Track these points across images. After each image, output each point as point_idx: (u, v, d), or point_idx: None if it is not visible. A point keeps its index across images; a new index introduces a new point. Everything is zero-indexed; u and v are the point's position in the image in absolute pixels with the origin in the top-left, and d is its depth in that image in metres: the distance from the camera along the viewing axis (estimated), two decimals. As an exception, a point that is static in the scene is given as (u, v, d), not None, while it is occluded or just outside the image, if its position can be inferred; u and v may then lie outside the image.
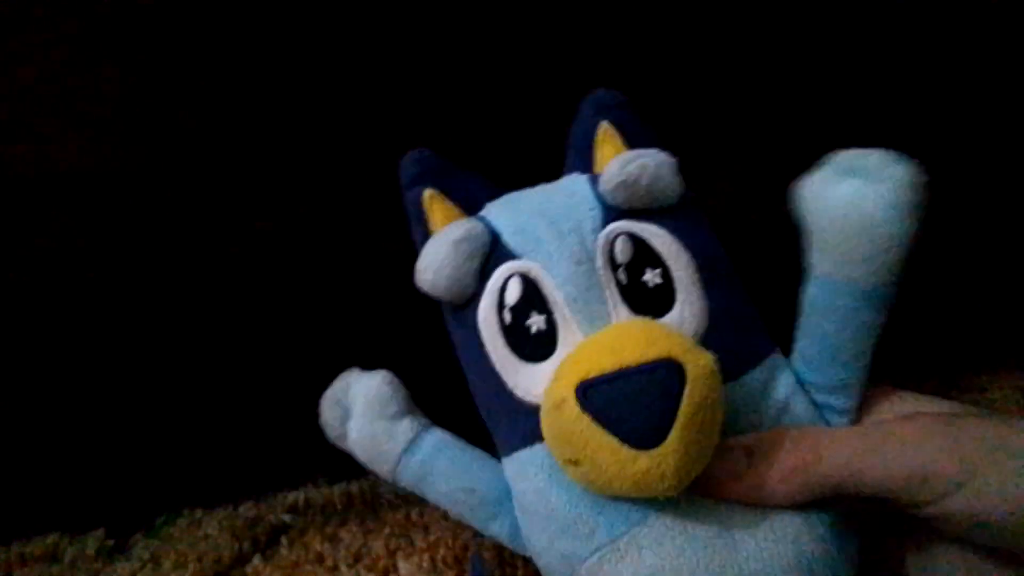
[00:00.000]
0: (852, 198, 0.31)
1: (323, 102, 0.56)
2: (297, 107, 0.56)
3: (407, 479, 0.35)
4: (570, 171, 0.39)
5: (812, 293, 0.33)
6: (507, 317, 0.33)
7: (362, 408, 0.35)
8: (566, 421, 0.28)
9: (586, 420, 0.27)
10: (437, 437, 0.36)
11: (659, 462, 0.27)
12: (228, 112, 0.55)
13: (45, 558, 0.55)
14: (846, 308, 0.31)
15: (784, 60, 0.62)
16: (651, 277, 0.33)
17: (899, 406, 0.32)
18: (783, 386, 0.33)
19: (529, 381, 0.33)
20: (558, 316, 0.33)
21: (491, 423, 0.36)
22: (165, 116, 0.54)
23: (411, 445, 0.35)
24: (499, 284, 0.34)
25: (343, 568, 0.51)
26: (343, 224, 0.60)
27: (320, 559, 0.53)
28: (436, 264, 0.35)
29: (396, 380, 0.37)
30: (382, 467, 0.35)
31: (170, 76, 0.53)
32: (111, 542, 0.57)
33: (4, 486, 0.58)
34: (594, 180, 0.36)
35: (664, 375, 0.27)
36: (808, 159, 0.32)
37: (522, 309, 0.33)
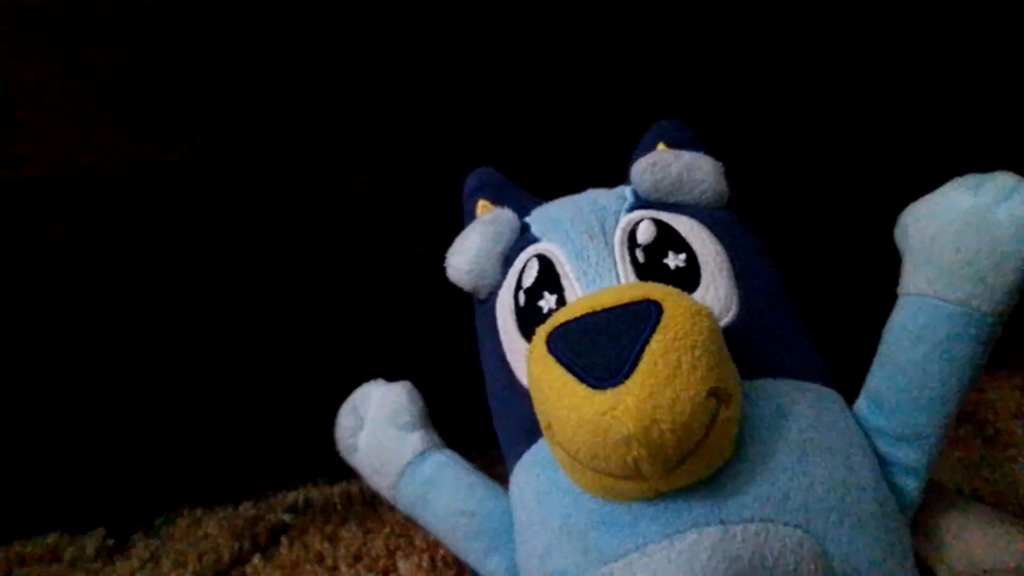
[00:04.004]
0: (977, 214, 0.27)
1: (327, 103, 0.56)
2: (304, 104, 0.56)
3: (407, 496, 0.34)
4: None
5: (903, 316, 0.29)
6: (521, 299, 0.32)
7: (374, 415, 0.35)
8: (533, 369, 0.26)
9: (549, 362, 0.25)
10: (446, 456, 0.35)
11: (616, 402, 0.23)
12: (228, 113, 0.55)
13: (45, 558, 0.55)
14: (946, 334, 0.27)
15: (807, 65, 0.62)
16: (674, 260, 0.31)
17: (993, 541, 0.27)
18: (840, 420, 0.28)
19: None
20: (568, 294, 0.31)
21: (501, 426, 0.34)
22: (171, 115, 0.54)
23: (417, 459, 0.34)
24: (519, 268, 0.33)
25: (343, 568, 0.51)
26: (347, 224, 0.60)
27: (320, 559, 0.53)
28: (462, 247, 0.35)
29: (415, 392, 0.36)
30: (384, 479, 0.34)
31: (175, 75, 0.53)
32: (111, 542, 0.57)
33: (4, 486, 0.58)
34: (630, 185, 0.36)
35: (636, 310, 0.24)
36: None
37: (536, 290, 0.32)
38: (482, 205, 0.39)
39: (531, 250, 0.33)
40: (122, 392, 0.59)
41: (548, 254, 0.32)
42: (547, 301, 0.31)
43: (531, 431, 0.30)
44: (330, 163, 0.58)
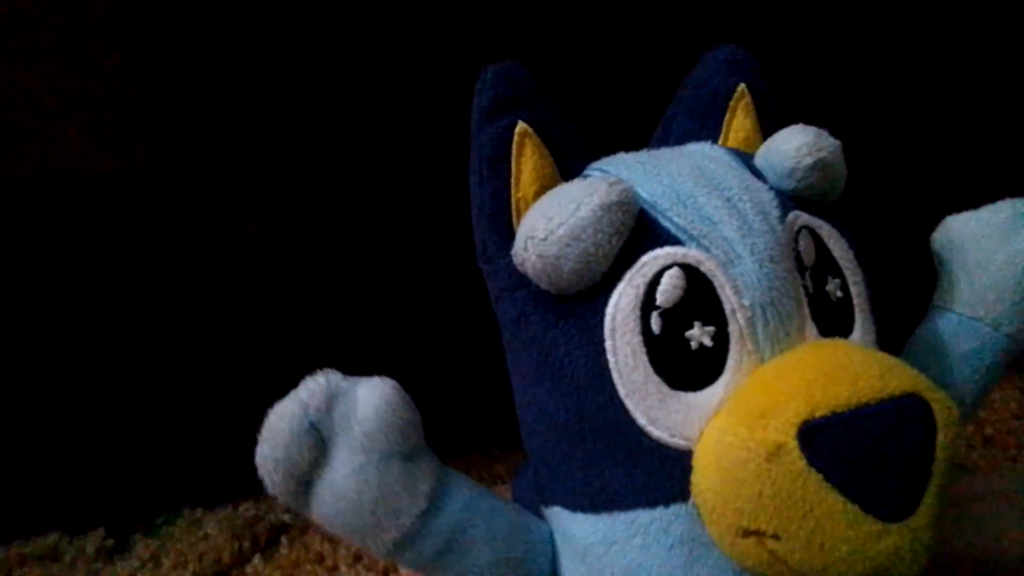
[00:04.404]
0: None
1: (317, 105, 0.56)
2: (293, 110, 0.56)
3: (418, 554, 0.24)
4: (683, 129, 0.31)
5: (956, 335, 0.29)
6: (657, 324, 0.23)
7: (361, 442, 0.23)
8: (782, 478, 0.20)
9: (814, 479, 0.20)
10: (464, 487, 0.25)
11: (911, 540, 0.19)
12: (226, 114, 0.55)
13: (45, 558, 0.55)
14: (992, 360, 0.28)
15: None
16: (833, 288, 0.25)
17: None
18: None
19: (677, 416, 0.23)
20: (732, 329, 0.23)
21: (572, 463, 0.25)
22: (167, 118, 0.54)
23: (434, 503, 0.24)
24: (650, 276, 0.24)
25: (343, 568, 0.51)
26: (349, 225, 0.60)
27: (320, 559, 0.53)
28: (570, 232, 0.23)
29: (408, 396, 0.24)
30: (380, 538, 0.23)
31: (171, 80, 0.53)
32: (111, 542, 0.57)
33: (4, 486, 0.57)
34: (741, 155, 0.28)
35: (912, 417, 0.20)
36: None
37: (681, 315, 0.23)
38: (523, 133, 0.26)
39: (671, 254, 0.24)
40: (122, 392, 0.59)
41: (705, 271, 0.24)
42: (701, 333, 0.23)
43: (659, 493, 0.24)
44: (330, 164, 0.58)
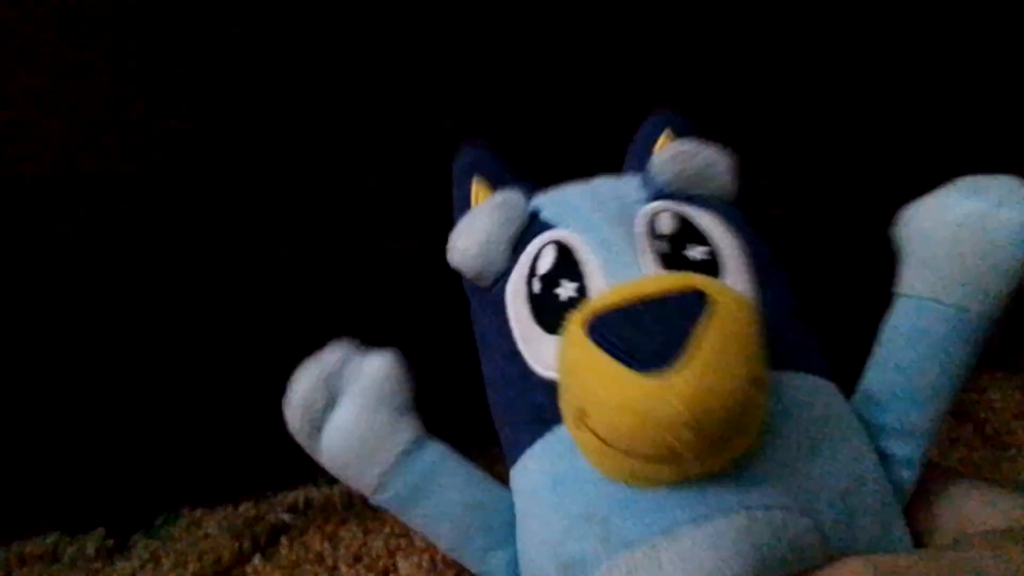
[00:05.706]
0: (976, 218, 0.27)
1: (326, 102, 0.56)
2: (300, 108, 0.56)
3: (399, 489, 0.29)
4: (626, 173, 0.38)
5: (901, 317, 0.29)
6: (536, 286, 0.31)
7: (361, 391, 0.30)
8: (570, 354, 0.25)
9: (590, 347, 0.24)
10: (439, 443, 0.31)
11: (665, 384, 0.22)
12: (231, 112, 0.55)
13: (45, 558, 0.55)
14: (942, 336, 0.28)
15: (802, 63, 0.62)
16: (696, 253, 0.30)
17: (979, 511, 0.27)
18: (845, 415, 0.29)
19: (551, 353, 0.28)
20: (589, 283, 0.29)
21: (506, 416, 0.31)
22: (169, 117, 0.54)
23: (413, 446, 0.29)
24: (533, 254, 0.32)
25: (343, 568, 0.51)
26: (349, 224, 0.60)
27: (320, 559, 0.53)
28: (470, 230, 0.33)
29: (404, 364, 0.31)
30: (370, 470, 0.29)
31: (175, 75, 0.53)
32: (111, 542, 0.57)
33: (4, 486, 0.57)
34: (646, 174, 0.35)
35: (682, 298, 0.24)
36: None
37: (553, 277, 0.30)
38: (477, 186, 0.37)
39: (546, 236, 0.32)
40: (122, 392, 0.59)
41: (565, 241, 0.31)
42: (565, 288, 0.30)
43: (544, 420, 0.29)
44: (331, 163, 0.58)
